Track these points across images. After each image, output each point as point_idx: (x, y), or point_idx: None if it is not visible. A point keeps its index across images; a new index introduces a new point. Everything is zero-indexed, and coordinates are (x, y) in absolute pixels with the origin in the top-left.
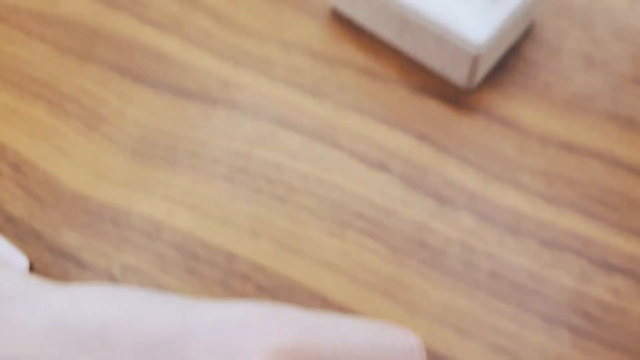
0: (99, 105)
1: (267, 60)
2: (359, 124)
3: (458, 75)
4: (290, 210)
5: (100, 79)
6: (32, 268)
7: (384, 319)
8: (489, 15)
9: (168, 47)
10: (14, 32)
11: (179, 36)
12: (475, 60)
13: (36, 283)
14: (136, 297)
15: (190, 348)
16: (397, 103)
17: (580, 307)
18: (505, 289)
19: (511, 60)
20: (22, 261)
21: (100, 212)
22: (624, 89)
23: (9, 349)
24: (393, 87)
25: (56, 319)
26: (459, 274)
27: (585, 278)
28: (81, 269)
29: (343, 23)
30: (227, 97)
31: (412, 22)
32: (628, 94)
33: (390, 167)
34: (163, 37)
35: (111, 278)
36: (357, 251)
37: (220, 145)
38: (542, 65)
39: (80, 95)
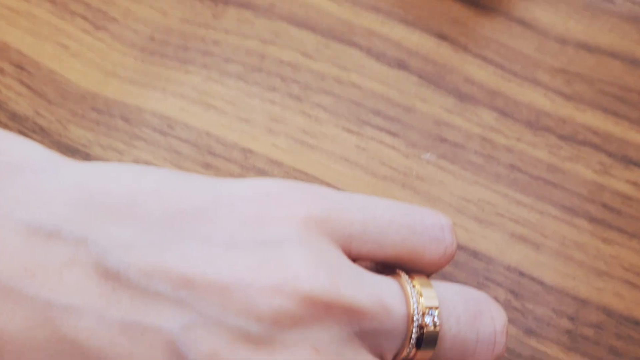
0: (106, 4)
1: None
2: (377, 23)
3: None
4: (306, 108)
5: None
6: None
7: None
8: None
9: None
10: None
11: None
12: None
13: (61, 157)
14: (165, 172)
15: (221, 217)
16: (415, 2)
17: (600, 199)
18: (525, 182)
19: None
20: None
21: (109, 109)
22: None
23: (33, 214)
24: None
25: (82, 188)
26: (479, 167)
27: (604, 171)
28: None
29: None
30: None
31: None
32: None
33: (409, 65)
34: None
35: None
36: (375, 147)
37: (233, 44)
38: None
39: None
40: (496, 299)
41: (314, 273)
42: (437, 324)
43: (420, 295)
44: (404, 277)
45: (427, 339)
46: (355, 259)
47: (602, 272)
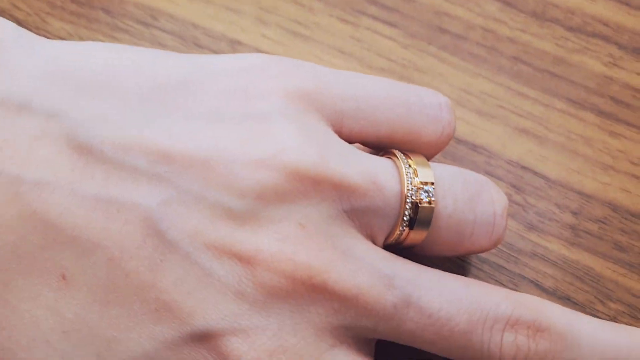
0: None
1: None
2: None
3: None
4: None
5: None
6: None
7: None
8: None
9: None
10: None
11: None
12: None
13: (34, 35)
14: (144, 49)
15: (203, 91)
16: None
17: (608, 92)
18: (529, 74)
19: None
20: None
21: (90, 1)
22: None
23: (1, 87)
24: None
25: (56, 63)
26: (481, 59)
27: (613, 64)
28: None
29: None
30: None
31: None
32: None
33: None
34: None
35: None
36: (372, 37)
37: None
38: None
39: None
40: None
41: (301, 147)
42: (432, 200)
43: (416, 172)
44: (399, 155)
45: (421, 217)
46: (347, 138)
47: (608, 167)
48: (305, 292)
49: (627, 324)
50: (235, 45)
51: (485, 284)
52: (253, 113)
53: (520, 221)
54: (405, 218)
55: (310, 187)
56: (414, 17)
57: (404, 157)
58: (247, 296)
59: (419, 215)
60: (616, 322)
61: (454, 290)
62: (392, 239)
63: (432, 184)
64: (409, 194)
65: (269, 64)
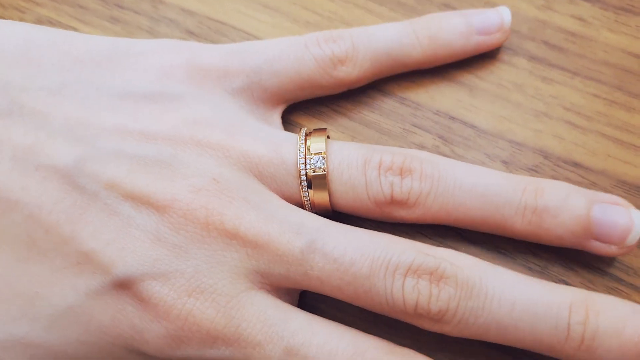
0: None
1: None
2: None
3: None
4: None
5: None
6: None
7: None
8: None
9: None
10: None
11: None
12: None
13: None
14: (61, 30)
15: (119, 67)
16: None
17: (541, 36)
18: None
19: None
20: None
21: None
22: None
23: None
24: None
25: None
26: (410, 8)
27: (547, 6)
28: None
29: None
30: None
31: None
32: None
33: None
34: None
35: None
36: None
37: None
38: None
39: None
40: (423, 146)
41: (209, 120)
42: (323, 167)
43: (309, 145)
44: (302, 131)
45: (315, 181)
46: (261, 101)
47: (540, 113)
48: (219, 238)
49: (559, 270)
50: (157, 5)
51: (392, 235)
52: (165, 90)
53: None
54: (303, 183)
55: (221, 154)
56: None
57: (303, 133)
58: (165, 242)
59: (312, 181)
60: (547, 269)
61: (358, 238)
62: (304, 204)
63: (324, 153)
64: (300, 163)
65: (179, 46)
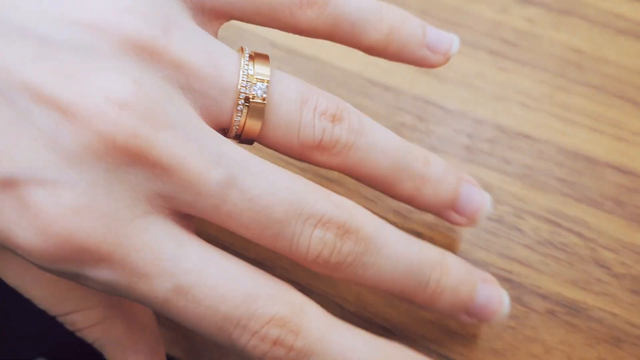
0: None
1: None
2: None
3: None
4: None
5: None
6: None
7: (324, 55)
8: None
9: None
10: None
11: None
12: None
13: None
14: None
15: None
16: None
17: (498, 34)
18: (433, 23)
19: None
20: None
21: None
22: None
23: None
24: None
25: None
26: None
27: (503, 10)
28: None
29: None
30: None
31: None
32: None
33: None
34: None
35: None
36: None
37: None
38: None
39: None
40: (404, 124)
41: (146, 14)
42: (264, 97)
43: (253, 68)
44: (246, 50)
45: (252, 110)
46: (209, 8)
47: (497, 96)
48: (127, 154)
49: (512, 224)
50: None
51: (309, 182)
52: None
53: (424, 145)
54: (239, 107)
55: (149, 55)
56: None
57: (247, 53)
58: (61, 147)
59: (250, 108)
60: (503, 221)
61: (278, 180)
62: (230, 131)
63: (268, 81)
64: (242, 86)
65: None
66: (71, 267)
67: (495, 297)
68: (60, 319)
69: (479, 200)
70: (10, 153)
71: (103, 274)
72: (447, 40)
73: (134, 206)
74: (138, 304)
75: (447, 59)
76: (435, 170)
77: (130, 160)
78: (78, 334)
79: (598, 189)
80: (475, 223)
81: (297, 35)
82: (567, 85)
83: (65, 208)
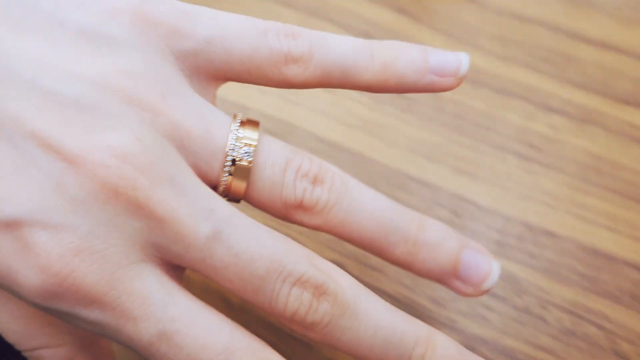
0: None
1: None
2: (347, 2)
3: None
4: None
5: None
6: None
7: (367, 151)
8: None
9: None
10: None
11: None
12: None
13: None
14: None
15: None
16: None
17: (525, 139)
18: (466, 127)
19: None
20: None
21: None
22: None
23: None
24: None
25: None
26: (429, 116)
27: (529, 117)
28: None
29: None
30: None
31: None
32: None
33: (374, 35)
34: None
35: None
36: (346, 102)
37: None
38: None
39: None
40: (440, 218)
41: (147, 79)
42: (251, 160)
43: (242, 136)
44: (238, 116)
45: (238, 172)
46: (204, 72)
47: (524, 196)
48: (126, 204)
49: (538, 314)
50: (245, 112)
51: (293, 242)
52: (104, 31)
53: None
54: (226, 168)
55: (149, 116)
56: None
57: (240, 118)
58: (65, 193)
59: (236, 170)
60: (529, 311)
61: (262, 238)
62: (218, 188)
63: (255, 145)
64: (230, 149)
65: None
66: (64, 305)
67: None
68: (27, 354)
69: (485, 267)
70: (17, 196)
71: (94, 314)
72: (454, 61)
73: (129, 253)
74: (105, 349)
75: (459, 79)
76: (432, 235)
77: (128, 210)
78: None
79: (616, 284)
80: (482, 293)
81: (341, 131)
82: (587, 188)
83: (66, 250)
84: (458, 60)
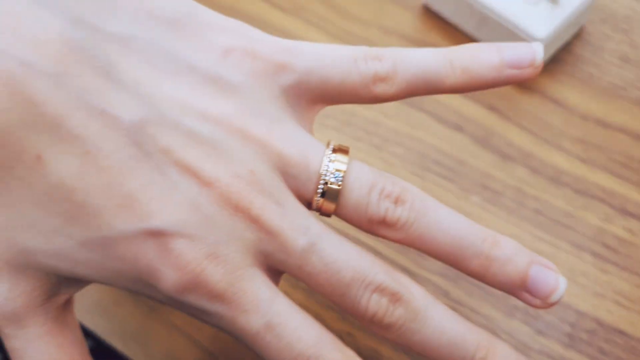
0: None
1: (369, 41)
2: (442, 96)
3: None
4: (384, 156)
5: None
6: None
7: None
8: (550, 17)
9: (292, 27)
10: None
11: (301, 19)
12: None
13: None
14: None
15: (192, 35)
16: None
17: (602, 240)
18: (546, 223)
19: (563, 54)
20: None
21: None
22: None
23: None
24: None
25: None
26: (512, 210)
27: (607, 219)
28: None
29: (432, 16)
30: None
31: (489, 18)
32: None
33: (464, 128)
34: (289, 19)
35: None
36: (435, 189)
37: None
38: (587, 60)
39: None
40: (517, 307)
41: (258, 117)
42: (340, 183)
43: (333, 162)
44: (331, 144)
45: (328, 193)
46: (305, 100)
47: (598, 294)
48: (243, 219)
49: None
50: None
51: (375, 257)
52: (224, 75)
53: (532, 328)
54: (319, 191)
55: (260, 149)
56: (465, 176)
57: (332, 146)
58: (199, 211)
59: (326, 192)
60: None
61: (349, 252)
62: (312, 205)
63: (344, 171)
64: (322, 174)
65: (241, 28)
66: (193, 298)
67: None
68: None
69: (552, 282)
70: (162, 212)
71: (215, 307)
72: (528, 53)
73: (245, 258)
74: None
75: (536, 69)
76: (504, 252)
77: (245, 224)
78: None
79: None
80: (549, 305)
81: None
82: None
83: (198, 254)
84: (532, 51)
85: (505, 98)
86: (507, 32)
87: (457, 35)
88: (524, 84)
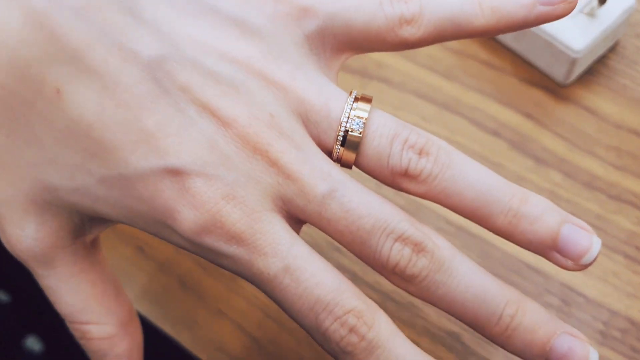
0: None
1: (411, 50)
2: (479, 102)
3: (558, 73)
4: None
5: None
6: None
7: (488, 236)
8: (588, 30)
9: None
10: None
11: None
12: (573, 63)
13: None
14: None
15: None
16: (509, 88)
17: (634, 243)
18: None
19: (598, 66)
20: None
21: None
22: None
23: None
24: (507, 77)
25: None
26: None
27: (639, 223)
28: None
29: None
30: (380, 74)
31: (528, 30)
32: None
33: (501, 134)
34: None
35: None
36: None
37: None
38: (622, 72)
39: None
40: (550, 304)
41: (280, 62)
42: (362, 131)
43: (355, 110)
44: (353, 92)
45: (349, 142)
46: (330, 47)
47: (630, 294)
48: (262, 162)
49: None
50: None
51: (398, 207)
52: (247, 18)
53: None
54: (339, 139)
55: (281, 94)
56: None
57: (355, 94)
58: (217, 150)
59: (347, 141)
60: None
61: (371, 200)
62: (332, 155)
63: (366, 118)
64: (343, 122)
65: None
66: (210, 240)
67: (579, 350)
68: (74, 326)
69: (585, 242)
70: (179, 150)
71: (232, 249)
72: None
73: (263, 202)
74: (138, 329)
75: (570, 3)
76: (534, 209)
77: (264, 167)
78: (82, 341)
79: None
80: (581, 267)
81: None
82: None
83: (216, 194)
84: None
85: (541, 106)
86: (545, 44)
87: (496, 46)
88: (559, 93)
